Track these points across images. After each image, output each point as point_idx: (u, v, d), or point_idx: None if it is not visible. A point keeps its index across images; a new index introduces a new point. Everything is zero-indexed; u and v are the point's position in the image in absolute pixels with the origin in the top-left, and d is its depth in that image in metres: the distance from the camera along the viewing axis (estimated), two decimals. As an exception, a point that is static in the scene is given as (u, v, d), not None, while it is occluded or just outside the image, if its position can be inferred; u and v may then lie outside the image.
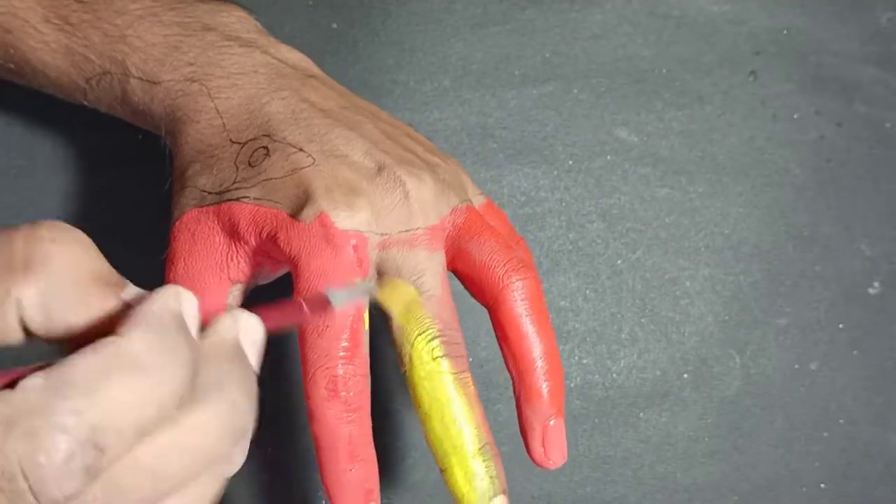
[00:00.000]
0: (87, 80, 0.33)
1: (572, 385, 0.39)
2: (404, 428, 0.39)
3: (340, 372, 0.27)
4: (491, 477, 0.28)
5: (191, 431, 0.20)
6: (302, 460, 0.38)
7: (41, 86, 0.35)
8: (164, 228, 0.38)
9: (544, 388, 0.30)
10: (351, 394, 0.27)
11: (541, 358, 0.30)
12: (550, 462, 0.30)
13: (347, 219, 0.28)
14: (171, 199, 0.31)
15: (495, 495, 0.28)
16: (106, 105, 0.34)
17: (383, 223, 0.29)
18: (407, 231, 0.29)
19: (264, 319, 0.24)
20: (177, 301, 0.22)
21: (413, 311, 0.28)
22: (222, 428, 0.21)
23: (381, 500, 0.38)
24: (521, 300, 0.30)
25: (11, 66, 0.34)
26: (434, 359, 0.28)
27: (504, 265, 0.30)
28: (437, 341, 0.28)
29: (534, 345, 0.30)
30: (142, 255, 0.38)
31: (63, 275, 0.21)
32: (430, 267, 0.29)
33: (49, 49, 0.33)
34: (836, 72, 0.42)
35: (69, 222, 0.39)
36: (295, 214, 0.28)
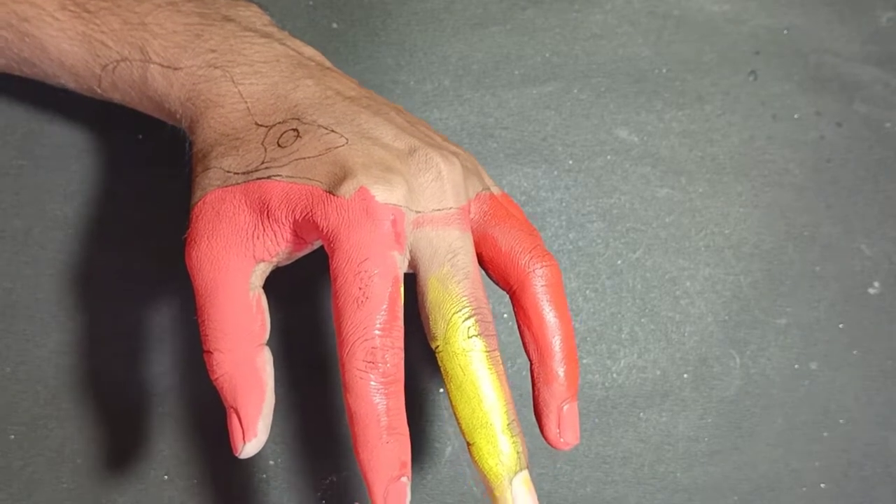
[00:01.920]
0: (103, 67, 0.33)
1: (572, 385, 0.39)
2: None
3: (378, 343, 0.27)
4: (518, 452, 0.29)
5: None
6: (300, 456, 0.38)
7: (55, 75, 0.35)
8: (166, 230, 0.38)
9: (561, 372, 0.31)
10: (388, 366, 0.27)
11: (560, 344, 0.31)
12: (563, 441, 0.31)
13: (386, 192, 0.28)
14: (191, 182, 0.31)
15: (521, 470, 0.29)
16: (121, 93, 0.34)
17: (418, 201, 0.29)
18: (440, 210, 0.30)
19: None
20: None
21: (449, 289, 0.29)
22: None
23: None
24: (544, 287, 0.31)
25: (27, 55, 0.34)
26: (469, 337, 0.29)
27: (529, 252, 0.31)
28: (472, 320, 0.29)
29: (554, 331, 0.31)
30: (142, 256, 0.38)
31: None
32: (464, 246, 0.30)
33: (66, 36, 0.33)
34: (837, 72, 0.42)
35: (69, 223, 0.39)
36: (333, 190, 0.28)
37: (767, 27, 0.42)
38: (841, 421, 0.39)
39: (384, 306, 0.28)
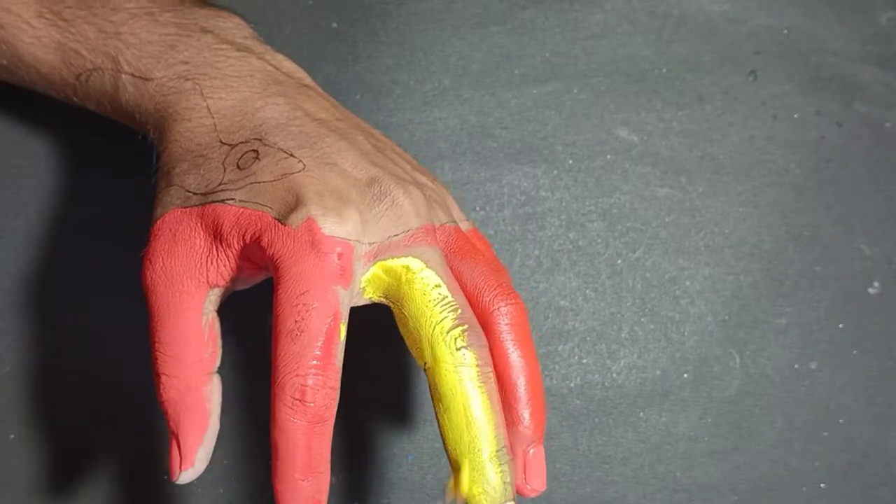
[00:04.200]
0: (77, 77, 0.33)
1: (572, 385, 0.39)
2: (403, 428, 0.39)
3: (310, 382, 0.26)
4: (504, 483, 0.27)
5: None
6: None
7: (33, 82, 0.35)
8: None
9: (526, 415, 0.30)
10: (316, 405, 0.26)
11: (524, 385, 0.30)
12: (529, 489, 0.30)
13: (336, 226, 0.27)
14: (154, 196, 0.31)
15: (506, 502, 0.27)
16: (94, 102, 0.34)
17: (372, 232, 0.28)
18: (398, 235, 0.29)
19: None
20: None
21: (425, 303, 0.28)
22: None
23: (380, 500, 0.38)
24: (508, 326, 0.30)
25: (4, 62, 0.34)
26: (458, 349, 0.28)
27: (493, 290, 0.30)
28: (456, 330, 0.28)
29: (518, 372, 0.30)
30: (140, 256, 0.38)
31: None
32: (432, 258, 0.29)
33: (41, 44, 0.33)
34: (837, 71, 0.42)
35: (68, 223, 0.39)
36: (282, 218, 0.28)
37: (767, 27, 0.42)
38: (841, 421, 0.39)
39: (319, 342, 0.27)
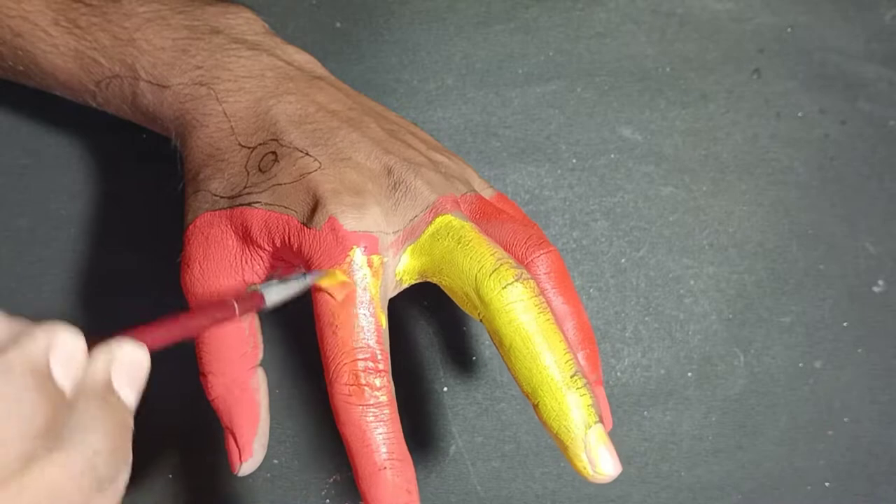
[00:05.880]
0: (96, 84, 0.33)
1: (576, 383, 0.39)
2: (405, 428, 0.39)
3: (360, 366, 0.27)
4: (588, 405, 0.26)
5: (40, 482, 0.18)
6: (304, 455, 0.38)
7: (51, 88, 0.35)
8: (169, 230, 0.38)
9: (580, 356, 0.30)
10: (373, 388, 0.27)
11: (573, 330, 0.30)
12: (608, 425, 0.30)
13: (356, 221, 0.28)
14: (184, 202, 0.32)
15: (594, 423, 0.27)
16: (115, 107, 0.34)
17: (394, 220, 0.29)
18: (417, 215, 0.29)
19: (193, 323, 0.24)
20: (45, 343, 0.20)
21: (464, 256, 0.28)
22: (80, 477, 0.19)
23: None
24: (546, 274, 0.30)
25: (21, 68, 0.34)
26: (504, 287, 0.27)
27: (525, 242, 0.30)
28: (500, 269, 0.27)
29: (565, 317, 0.30)
30: (146, 255, 0.38)
31: None
32: (458, 219, 0.29)
33: (59, 52, 0.33)
34: (840, 70, 0.42)
35: (74, 222, 0.39)
36: (306, 219, 0.28)
37: (771, 25, 0.42)
38: (845, 419, 0.39)
39: (361, 331, 0.27)
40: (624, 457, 0.39)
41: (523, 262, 0.30)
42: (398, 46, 0.41)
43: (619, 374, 0.39)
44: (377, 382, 0.27)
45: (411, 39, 0.41)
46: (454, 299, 0.29)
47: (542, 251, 0.30)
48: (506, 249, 0.30)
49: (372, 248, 0.28)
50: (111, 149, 0.39)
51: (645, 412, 0.39)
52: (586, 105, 0.41)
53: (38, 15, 0.33)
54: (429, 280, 0.30)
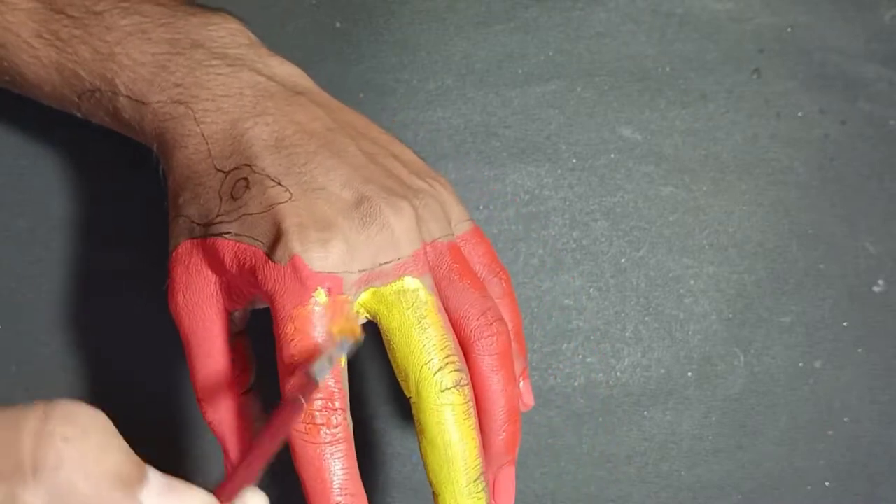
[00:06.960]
0: (78, 96, 0.33)
1: (576, 384, 0.39)
2: (406, 431, 0.39)
3: (317, 405, 0.27)
4: None
5: None
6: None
7: (38, 98, 0.35)
8: (167, 233, 0.38)
9: (500, 438, 0.31)
10: (329, 426, 0.27)
11: (501, 411, 0.31)
12: None
13: (320, 260, 0.28)
14: (168, 224, 0.32)
15: None
16: (99, 119, 0.34)
17: (362, 258, 0.28)
18: (389, 262, 0.29)
19: (273, 434, 0.25)
20: None
21: (413, 341, 0.29)
22: None
23: (385, 499, 0.38)
24: (489, 356, 0.30)
25: (8, 78, 0.34)
26: (443, 391, 0.28)
27: (477, 318, 0.30)
28: (443, 371, 0.28)
29: (497, 397, 0.30)
30: (146, 255, 0.38)
31: (74, 477, 0.20)
32: (420, 291, 0.29)
33: (41, 64, 0.33)
34: (840, 70, 0.42)
35: (73, 224, 0.39)
36: (271, 254, 0.28)
37: (771, 25, 0.42)
38: (845, 419, 0.39)
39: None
40: (624, 457, 0.39)
41: (471, 338, 0.30)
42: (398, 46, 0.41)
43: (619, 374, 0.39)
44: (333, 420, 0.27)
45: (411, 39, 0.41)
46: (389, 357, 0.30)
47: (490, 332, 0.30)
48: (460, 319, 0.31)
49: (336, 289, 0.28)
50: (110, 149, 0.39)
51: (645, 412, 0.39)
52: (586, 105, 0.41)
53: (20, 26, 0.32)
54: (377, 324, 0.30)
